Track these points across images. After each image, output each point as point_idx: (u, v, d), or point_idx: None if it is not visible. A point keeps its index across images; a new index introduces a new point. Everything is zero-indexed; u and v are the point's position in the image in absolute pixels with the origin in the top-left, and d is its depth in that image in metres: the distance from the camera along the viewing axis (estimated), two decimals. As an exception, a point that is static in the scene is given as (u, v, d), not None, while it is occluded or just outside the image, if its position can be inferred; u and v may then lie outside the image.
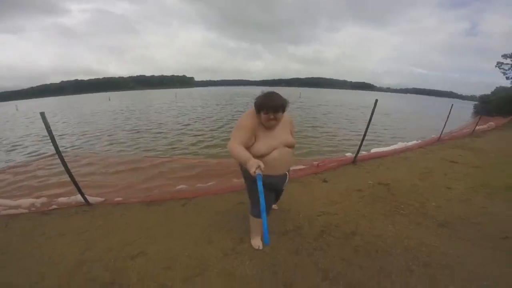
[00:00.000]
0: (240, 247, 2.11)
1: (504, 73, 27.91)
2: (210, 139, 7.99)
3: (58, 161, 2.81)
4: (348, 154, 5.26)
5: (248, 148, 1.68)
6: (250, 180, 1.86)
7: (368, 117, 4.37)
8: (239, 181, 3.37)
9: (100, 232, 2.46)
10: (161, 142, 7.86)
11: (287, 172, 1.88)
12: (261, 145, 1.70)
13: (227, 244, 2.16)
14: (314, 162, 4.35)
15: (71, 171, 2.88)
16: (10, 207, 3.14)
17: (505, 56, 27.80)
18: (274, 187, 1.89)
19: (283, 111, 1.71)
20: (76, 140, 8.64)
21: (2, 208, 3.13)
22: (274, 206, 2.66)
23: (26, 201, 3.21)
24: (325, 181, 3.62)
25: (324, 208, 2.79)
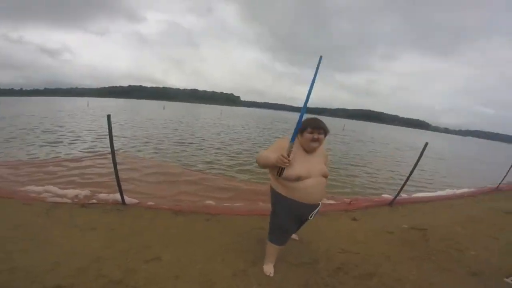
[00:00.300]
0: (251, 270, 2.13)
1: None
2: (245, 163, 8.24)
3: (108, 160, 3.19)
4: (386, 196, 4.97)
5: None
6: (278, 205, 1.90)
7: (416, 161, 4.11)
8: (264, 206, 3.46)
9: (125, 231, 2.61)
10: (200, 158, 8.40)
11: (320, 203, 1.89)
12: (299, 167, 1.73)
13: (239, 264, 2.20)
14: (346, 199, 4.22)
15: (118, 171, 3.22)
16: (56, 195, 3.42)
17: None
18: (302, 215, 1.90)
19: (325, 135, 1.82)
20: (128, 142, 9.82)
21: (49, 195, 3.41)
22: (294, 236, 2.64)
23: (71, 192, 3.51)
24: (354, 219, 3.50)
25: (346, 246, 2.70)
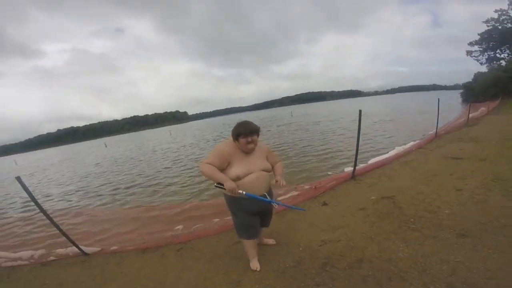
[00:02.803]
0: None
1: (477, 60, 29.65)
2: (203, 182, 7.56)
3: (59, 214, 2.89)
4: (347, 169, 5.07)
5: (222, 171, 1.98)
6: (232, 206, 2.14)
7: (354, 127, 4.32)
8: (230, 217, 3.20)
9: (96, 283, 2.56)
10: (157, 192, 7.26)
11: (265, 194, 2.07)
12: (238, 169, 1.99)
13: (224, 289, 2.07)
14: (310, 185, 4.15)
15: (60, 226, 3.11)
16: (11, 259, 3.42)
17: (471, 43, 30.09)
18: (256, 207, 2.11)
19: (258, 135, 2.06)
20: (77, 196, 8.34)
21: (3, 260, 3.41)
22: (270, 241, 2.62)
23: (26, 253, 3.48)
24: (325, 204, 3.45)
25: (326, 235, 2.63)
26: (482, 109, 11.70)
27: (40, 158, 39.11)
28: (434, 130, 7.32)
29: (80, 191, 8.86)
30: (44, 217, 3.04)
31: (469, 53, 30.19)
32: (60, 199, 8.25)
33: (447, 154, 4.99)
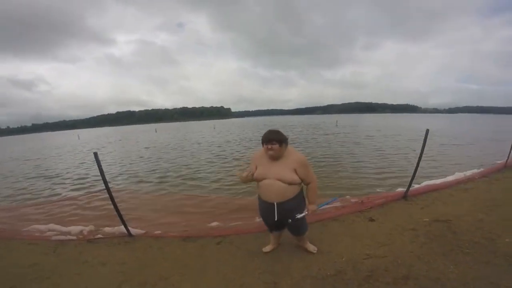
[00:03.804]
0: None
1: None
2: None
3: (104, 194, 3.31)
4: (399, 190, 4.93)
5: None
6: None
7: (416, 146, 4.18)
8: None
9: (138, 264, 2.66)
10: (198, 184, 7.72)
11: (275, 203, 2.23)
12: (257, 171, 2.29)
13: (259, 288, 2.14)
14: (357, 199, 4.16)
15: (117, 204, 3.23)
16: (61, 233, 3.56)
17: None
18: (265, 210, 2.34)
19: (279, 143, 2.19)
20: (127, 176, 9.21)
21: (53, 234, 3.54)
22: (311, 248, 2.68)
23: (75, 228, 3.64)
24: (371, 220, 3.44)
25: (370, 250, 2.64)
26: None
27: (99, 135, 43.66)
28: (504, 159, 6.65)
29: (127, 173, 9.47)
30: (100, 195, 3.44)
31: None
32: (109, 180, 9.07)
33: (516, 186, 4.58)
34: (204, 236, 3.22)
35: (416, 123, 40.46)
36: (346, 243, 2.80)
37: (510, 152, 6.62)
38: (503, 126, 31.01)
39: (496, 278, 2.02)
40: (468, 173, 5.96)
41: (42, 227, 3.79)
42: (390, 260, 2.42)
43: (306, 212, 2.30)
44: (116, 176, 9.08)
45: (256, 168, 2.32)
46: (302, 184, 2.32)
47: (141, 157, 13.73)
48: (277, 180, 2.20)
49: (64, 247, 3.14)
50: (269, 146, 2.20)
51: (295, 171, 2.22)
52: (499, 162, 7.02)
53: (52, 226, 3.77)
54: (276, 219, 2.29)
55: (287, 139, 2.27)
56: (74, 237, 3.44)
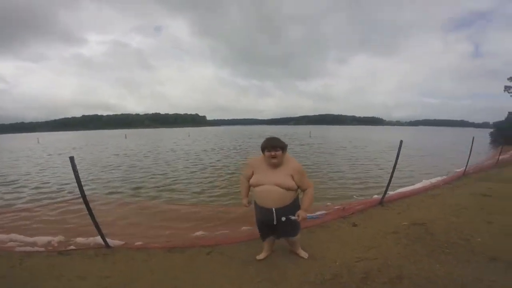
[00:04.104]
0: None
1: (514, 97, 26.99)
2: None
3: (75, 203, 2.89)
4: (375, 196, 5.26)
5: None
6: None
7: (386, 156, 4.51)
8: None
9: (123, 278, 2.46)
10: (186, 190, 7.68)
11: (273, 208, 2.27)
12: (254, 178, 2.34)
13: (262, 300, 2.14)
14: (339, 206, 4.37)
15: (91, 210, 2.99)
16: (26, 244, 3.18)
17: (510, 78, 27.55)
18: (262, 216, 2.37)
19: (282, 150, 2.26)
20: (96, 184, 8.76)
21: (17, 244, 3.17)
22: (303, 254, 2.72)
23: (42, 239, 3.28)
24: (355, 225, 3.60)
25: (360, 254, 2.75)
26: (513, 152, 11.51)
27: (60, 140, 40.62)
28: (463, 168, 7.40)
29: (95, 182, 9.06)
30: (66, 204, 3.08)
31: (507, 88, 28.19)
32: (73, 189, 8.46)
33: (475, 191, 5.14)
34: (191, 247, 3.07)
35: (382, 135, 43.16)
36: (335, 248, 2.88)
37: (467, 162, 7.40)
38: (459, 137, 34.41)
39: (479, 274, 2.25)
40: (433, 180, 6.57)
41: (3, 236, 3.35)
42: (380, 262, 2.55)
43: (297, 217, 2.28)
44: (84, 185, 8.47)
45: (253, 173, 2.36)
46: (298, 191, 2.39)
47: (110, 164, 13.14)
48: (276, 186, 2.23)
49: (32, 259, 2.83)
50: (273, 153, 2.22)
51: (292, 177, 2.27)
52: (458, 170, 7.78)
53: (14, 236, 3.36)
54: (275, 223, 2.32)
55: (287, 146, 2.34)
56: (42, 249, 3.09)
